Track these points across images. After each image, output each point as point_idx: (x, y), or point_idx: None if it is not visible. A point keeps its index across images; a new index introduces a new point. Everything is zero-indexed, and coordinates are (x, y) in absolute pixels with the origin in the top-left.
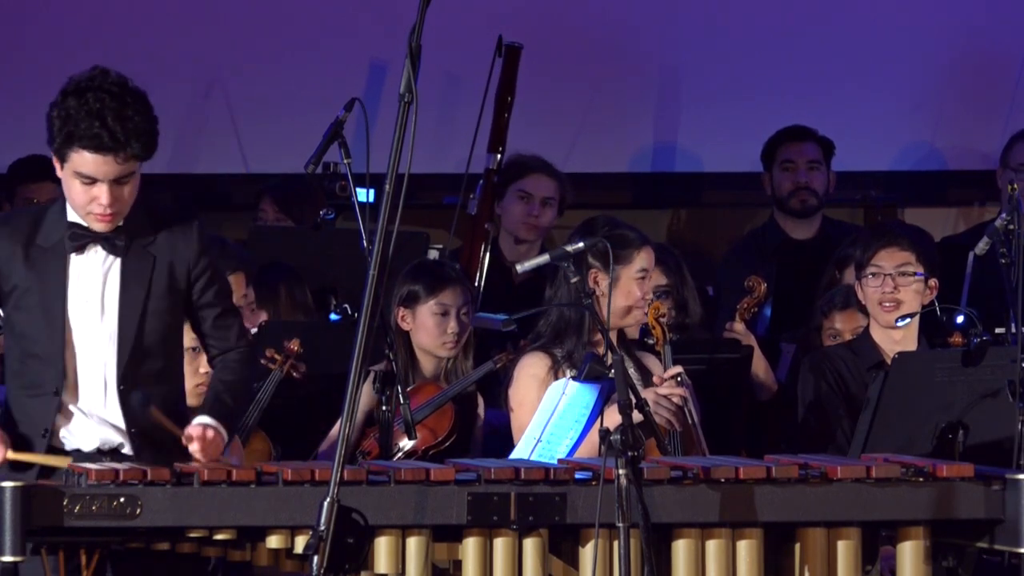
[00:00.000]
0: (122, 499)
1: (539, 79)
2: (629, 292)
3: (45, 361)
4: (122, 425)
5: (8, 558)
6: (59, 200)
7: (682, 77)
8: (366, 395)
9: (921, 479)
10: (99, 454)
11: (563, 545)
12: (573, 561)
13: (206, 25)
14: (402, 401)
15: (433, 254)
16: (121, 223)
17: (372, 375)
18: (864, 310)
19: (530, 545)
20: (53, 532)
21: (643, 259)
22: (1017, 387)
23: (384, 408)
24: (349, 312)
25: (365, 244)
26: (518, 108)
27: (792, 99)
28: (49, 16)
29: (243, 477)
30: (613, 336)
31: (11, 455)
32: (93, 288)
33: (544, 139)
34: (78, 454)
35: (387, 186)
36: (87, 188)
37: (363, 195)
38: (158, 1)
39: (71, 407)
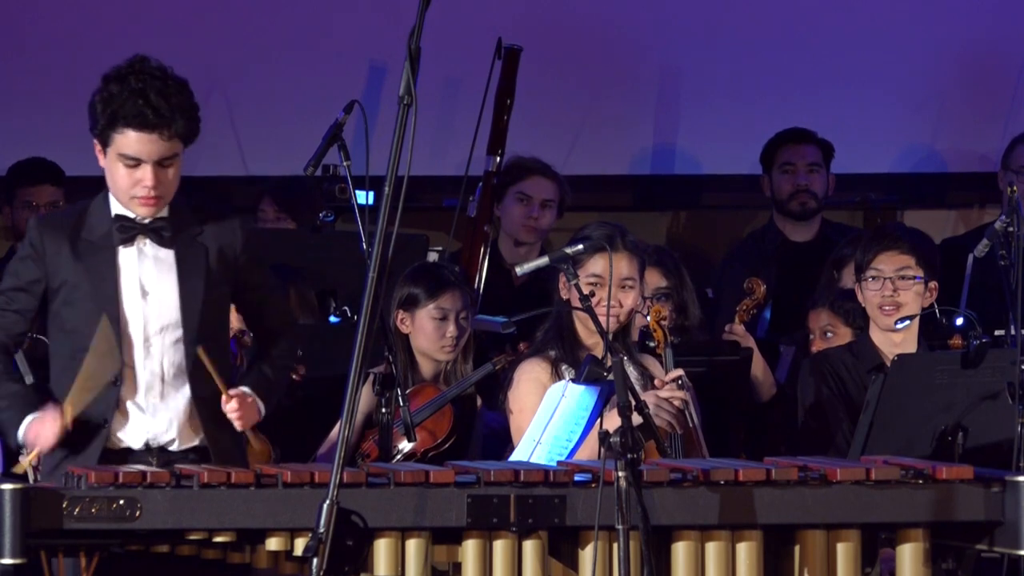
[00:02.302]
0: (121, 501)
1: (539, 81)
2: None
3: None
4: (176, 417)
5: (7, 560)
6: (102, 194)
7: (682, 79)
8: (365, 397)
9: (921, 481)
10: (147, 452)
11: (563, 547)
12: (573, 563)
13: (206, 26)
14: (401, 403)
15: (433, 256)
16: (166, 213)
17: (372, 377)
18: (836, 308)
19: (530, 547)
20: (52, 534)
21: (596, 264)
22: (1016, 389)
23: (383, 410)
24: (348, 314)
25: (364, 246)
26: (517, 110)
27: (792, 101)
28: (49, 18)
29: (242, 479)
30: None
31: (68, 414)
32: (147, 279)
33: (543, 141)
34: (128, 453)
35: (386, 188)
36: (131, 171)
37: (362, 197)
38: (158, 2)
39: (128, 402)
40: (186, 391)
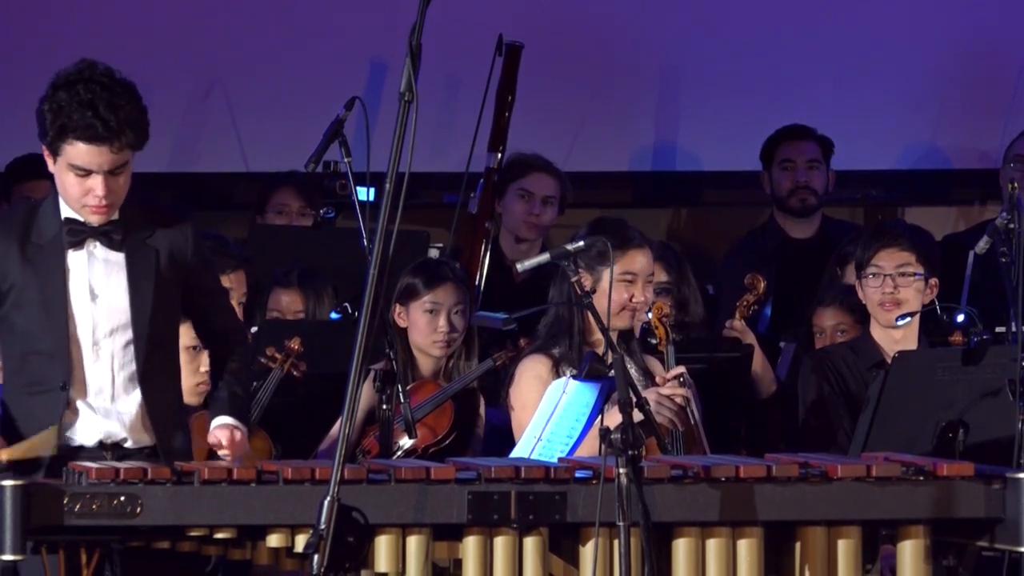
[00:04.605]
0: (122, 498)
1: (540, 78)
2: (614, 294)
3: (49, 357)
4: (127, 419)
5: (8, 557)
6: (50, 196)
7: (682, 77)
8: (366, 394)
9: (921, 478)
10: (101, 448)
11: (563, 544)
12: (573, 560)
13: (206, 25)
14: (402, 399)
15: (433, 253)
16: (116, 216)
17: (372, 374)
18: (846, 306)
19: (530, 544)
20: (53, 531)
21: (628, 262)
22: (1017, 386)
23: (384, 406)
24: (349, 311)
25: (365, 243)
26: (519, 107)
27: (792, 98)
28: (48, 16)
29: (243, 476)
30: (614, 336)
31: (5, 455)
32: (97, 282)
33: (544, 138)
34: (81, 450)
35: (387, 185)
36: (81, 180)
37: (363, 194)
38: (158, 1)
39: (78, 402)
40: (137, 395)
